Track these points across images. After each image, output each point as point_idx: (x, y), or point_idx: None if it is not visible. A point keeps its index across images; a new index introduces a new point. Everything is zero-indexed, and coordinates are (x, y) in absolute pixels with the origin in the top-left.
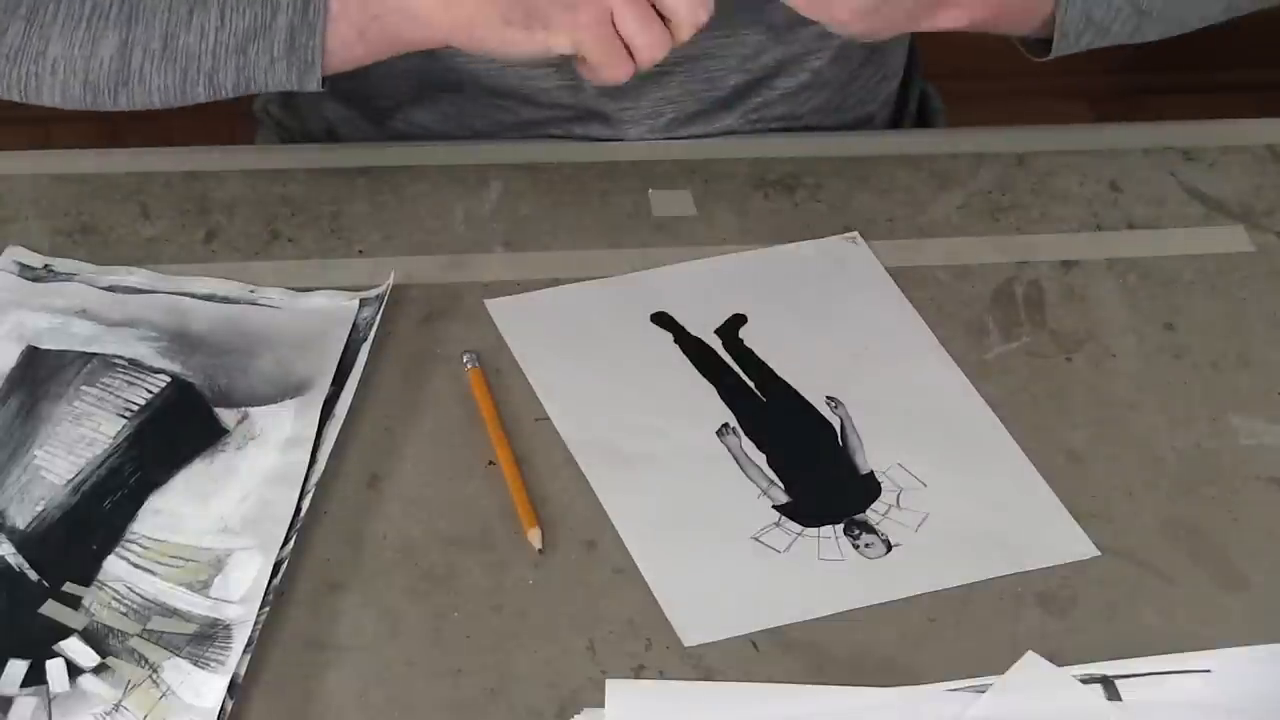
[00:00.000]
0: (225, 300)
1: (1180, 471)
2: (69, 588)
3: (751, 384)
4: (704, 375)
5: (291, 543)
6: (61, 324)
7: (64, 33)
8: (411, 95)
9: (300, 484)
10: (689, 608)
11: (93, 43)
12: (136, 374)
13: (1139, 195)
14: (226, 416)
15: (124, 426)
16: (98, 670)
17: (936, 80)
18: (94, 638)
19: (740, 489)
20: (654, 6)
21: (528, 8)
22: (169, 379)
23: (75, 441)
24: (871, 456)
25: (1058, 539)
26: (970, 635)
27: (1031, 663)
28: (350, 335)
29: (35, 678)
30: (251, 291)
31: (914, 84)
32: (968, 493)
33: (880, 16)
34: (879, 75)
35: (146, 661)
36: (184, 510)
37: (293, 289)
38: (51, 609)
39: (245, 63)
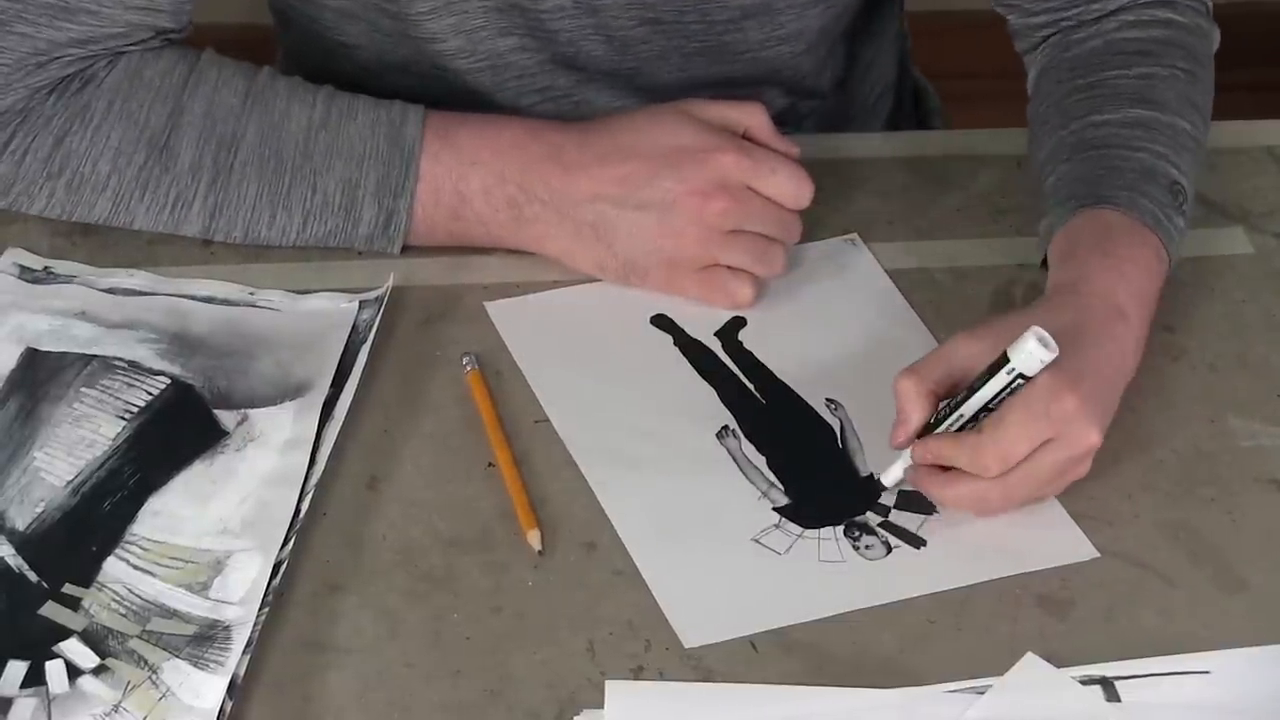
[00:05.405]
0: (225, 302)
1: (1179, 473)
2: (68, 589)
3: (751, 386)
4: (704, 377)
5: (291, 544)
6: (61, 326)
7: (148, 214)
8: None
9: (300, 485)
10: (689, 609)
11: (175, 225)
12: (136, 376)
13: None
14: (226, 418)
15: (124, 428)
16: (97, 671)
17: (936, 80)
18: (93, 639)
19: (740, 491)
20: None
21: (633, 270)
22: (169, 381)
23: (75, 443)
24: (871, 458)
25: (1057, 540)
26: (970, 637)
27: (1031, 664)
28: (350, 337)
29: (35, 679)
30: (251, 294)
31: (906, 80)
32: None
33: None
34: (875, 93)
35: (146, 663)
36: (183, 512)
37: (292, 291)
38: (51, 610)
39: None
